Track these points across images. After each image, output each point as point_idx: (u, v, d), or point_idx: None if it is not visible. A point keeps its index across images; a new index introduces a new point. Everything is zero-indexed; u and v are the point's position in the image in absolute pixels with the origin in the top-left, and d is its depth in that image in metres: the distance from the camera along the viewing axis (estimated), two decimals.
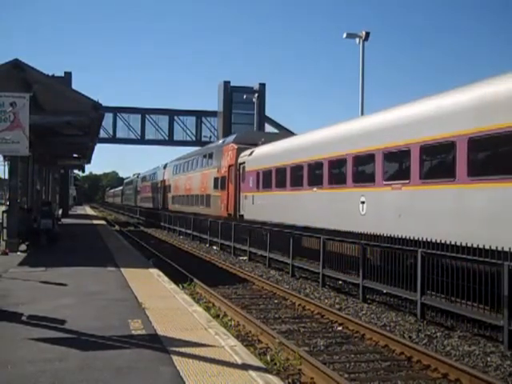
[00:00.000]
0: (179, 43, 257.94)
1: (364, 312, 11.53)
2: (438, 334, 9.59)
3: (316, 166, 18.15)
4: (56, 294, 10.14)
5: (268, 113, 61.23)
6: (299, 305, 12.37)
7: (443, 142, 11.81)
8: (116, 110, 61.14)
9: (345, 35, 25.96)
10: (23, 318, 8.09)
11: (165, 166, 51.34)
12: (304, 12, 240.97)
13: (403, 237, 12.01)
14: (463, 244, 10.10)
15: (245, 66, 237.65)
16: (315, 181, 18.14)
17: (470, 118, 11.08)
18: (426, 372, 7.73)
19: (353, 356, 8.45)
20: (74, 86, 37.47)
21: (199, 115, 64.76)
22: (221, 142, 33.23)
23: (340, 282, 14.33)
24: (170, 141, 63.98)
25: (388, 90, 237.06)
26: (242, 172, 26.15)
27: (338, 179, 16.67)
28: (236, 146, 27.88)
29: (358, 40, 25.95)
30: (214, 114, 64.71)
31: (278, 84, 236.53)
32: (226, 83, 63.27)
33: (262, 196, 23.39)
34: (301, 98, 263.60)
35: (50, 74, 32.26)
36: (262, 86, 61.68)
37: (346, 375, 7.42)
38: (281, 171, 21.31)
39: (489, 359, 8.24)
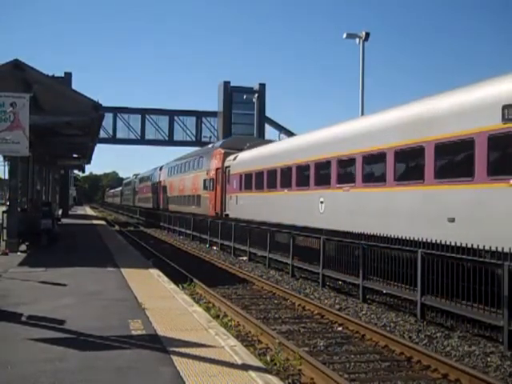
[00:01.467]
0: (179, 43, 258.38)
1: (364, 312, 11.53)
2: (438, 335, 9.59)
3: (287, 171, 20.67)
4: (56, 294, 10.14)
5: (268, 113, 61.34)
6: (299, 305, 12.37)
7: (377, 153, 14.41)
8: (116, 110, 61.18)
9: (345, 35, 26.00)
10: (23, 318, 8.08)
11: (161, 168, 53.08)
12: (304, 12, 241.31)
13: (350, 231, 14.36)
14: (462, 245, 10.15)
15: (245, 66, 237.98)
16: (286, 183, 20.69)
17: (395, 133, 13.73)
18: (426, 372, 7.72)
19: (353, 356, 8.44)
20: (74, 86, 37.57)
21: (199, 115, 64.80)
22: (210, 146, 35.76)
23: (340, 283, 14.34)
24: (169, 141, 64.02)
25: (388, 90, 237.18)
26: (227, 175, 28.46)
27: (303, 182, 19.17)
28: (223, 151, 30.32)
29: (358, 40, 25.99)
30: (214, 114, 64.74)
31: (278, 84, 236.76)
32: (226, 83, 63.30)
33: (243, 196, 25.76)
34: (301, 98, 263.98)
35: (50, 74, 32.34)
36: (262, 86, 61.72)
37: (346, 375, 7.42)
38: (259, 174, 23.71)
39: (489, 359, 8.24)
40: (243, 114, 61.64)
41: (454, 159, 12.04)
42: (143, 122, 63.01)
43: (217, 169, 30.67)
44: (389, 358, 8.36)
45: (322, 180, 17.61)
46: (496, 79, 11.10)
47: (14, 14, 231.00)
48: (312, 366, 7.55)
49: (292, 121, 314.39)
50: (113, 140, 62.99)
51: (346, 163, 16.12)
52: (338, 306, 12.14)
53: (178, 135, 64.07)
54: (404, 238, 10.09)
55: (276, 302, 13.03)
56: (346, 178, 16.12)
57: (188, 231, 32.57)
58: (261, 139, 31.88)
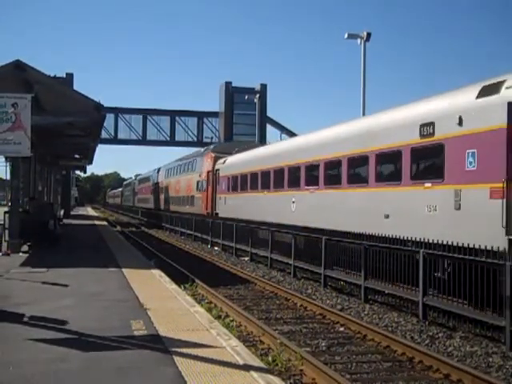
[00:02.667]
0: (180, 44, 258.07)
1: (366, 312, 11.52)
2: (440, 335, 9.58)
3: (266, 174, 22.97)
4: (57, 295, 10.14)
5: (269, 113, 61.25)
6: (301, 305, 12.36)
7: (335, 160, 16.67)
8: (117, 111, 61.16)
9: (346, 36, 25.98)
10: (25, 319, 8.09)
11: (158, 170, 54.93)
12: (305, 12, 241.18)
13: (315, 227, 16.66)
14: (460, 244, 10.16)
15: (246, 66, 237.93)
16: (265, 185, 23.01)
17: (348, 144, 15.90)
18: (428, 373, 7.72)
19: (354, 357, 8.43)
20: (75, 87, 37.60)
21: (201, 116, 64.78)
22: (203, 150, 37.99)
23: (342, 283, 14.33)
24: (171, 141, 64.01)
25: (389, 90, 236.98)
26: (217, 177, 30.69)
27: (279, 184, 21.38)
28: (213, 155, 32.73)
29: (359, 40, 25.97)
30: (215, 114, 64.72)
31: (279, 85, 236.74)
32: (228, 84, 63.27)
33: (231, 197, 28.05)
34: (302, 99, 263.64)
35: (52, 74, 32.39)
36: (264, 86, 61.66)
37: (348, 376, 7.41)
38: (244, 177, 26.01)
39: (491, 360, 8.23)
40: (244, 114, 61.63)
41: (389, 166, 14.38)
42: (145, 123, 63.01)
43: (208, 171, 32.76)
44: (391, 359, 8.36)
45: (294, 182, 19.85)
46: (416, 102, 13.59)
47: (14, 14, 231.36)
48: (314, 366, 7.54)
49: (293, 121, 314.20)
50: (114, 140, 62.99)
51: (312, 168, 18.39)
52: (339, 307, 12.13)
53: (180, 135, 64.06)
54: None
55: (278, 302, 13.02)
56: (312, 180, 18.39)
57: (189, 232, 32.66)
58: (249, 144, 33.49)
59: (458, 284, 9.63)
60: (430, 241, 11.13)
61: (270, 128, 61.86)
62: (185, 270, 16.94)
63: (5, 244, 17.50)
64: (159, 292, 10.74)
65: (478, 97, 10.90)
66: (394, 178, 13.67)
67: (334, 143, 16.97)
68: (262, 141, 51.86)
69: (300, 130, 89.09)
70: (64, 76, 46.01)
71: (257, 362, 6.24)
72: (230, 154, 30.33)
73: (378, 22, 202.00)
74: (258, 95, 49.98)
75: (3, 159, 23.18)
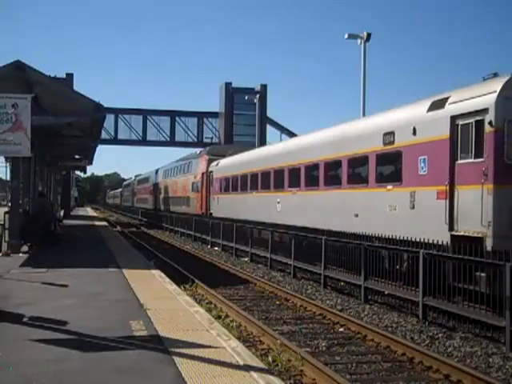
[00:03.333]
0: (181, 44, 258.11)
1: (366, 313, 11.52)
2: (440, 335, 9.58)
3: (254, 176, 24.54)
4: (57, 295, 10.14)
5: (269, 114, 61.30)
6: (301, 306, 12.37)
7: (313, 164, 18.24)
8: (117, 111, 61.18)
9: (346, 36, 25.97)
10: (25, 319, 8.09)
11: (156, 171, 55.65)
12: (306, 13, 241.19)
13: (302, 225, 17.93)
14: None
15: (246, 66, 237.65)
16: (254, 186, 24.57)
17: (325, 149, 17.48)
18: (428, 373, 7.72)
19: (354, 357, 8.44)
20: (75, 87, 37.57)
21: (201, 116, 64.82)
22: (198, 152, 39.80)
23: (341, 283, 14.34)
24: (171, 142, 64.03)
25: (390, 90, 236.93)
26: (211, 178, 32.22)
27: (266, 185, 22.95)
28: (207, 157, 34.33)
29: (359, 41, 25.96)
30: (215, 114, 64.77)
31: (279, 85, 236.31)
32: (228, 84, 63.34)
33: (223, 197, 29.68)
34: (302, 99, 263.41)
35: (52, 75, 32.36)
36: (264, 87, 61.70)
37: (348, 376, 7.41)
38: (235, 179, 27.63)
39: (491, 360, 8.23)
40: (244, 114, 61.69)
41: (358, 170, 15.75)
42: (145, 123, 63.06)
43: (203, 173, 34.30)
44: (391, 359, 8.36)
45: (278, 184, 21.39)
46: (382, 113, 15.27)
47: (14, 14, 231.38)
48: (314, 366, 7.55)
49: (294, 121, 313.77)
50: (114, 141, 63.03)
51: (294, 171, 19.84)
52: (339, 307, 12.13)
53: (180, 136, 64.10)
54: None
55: (278, 302, 13.03)
56: (294, 182, 19.79)
57: (190, 232, 32.70)
58: (242, 147, 34.68)
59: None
60: (393, 236, 12.52)
61: (270, 128, 61.93)
62: (185, 271, 16.95)
63: (5, 244, 17.51)
64: (159, 292, 10.74)
65: (428, 110, 12.38)
66: (363, 180, 15.14)
67: (313, 148, 18.56)
68: (262, 141, 51.92)
69: (300, 130, 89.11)
70: (64, 76, 45.97)
71: (257, 363, 6.24)
72: (224, 156, 31.68)
73: (379, 22, 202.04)
74: (257, 95, 49.93)
75: (3, 160, 23.23)
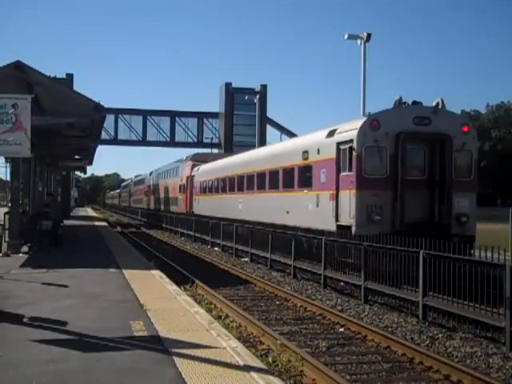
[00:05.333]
0: (181, 44, 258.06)
1: (366, 313, 11.52)
2: (440, 336, 9.58)
3: (224, 180, 29.40)
4: (58, 296, 10.15)
5: (269, 114, 61.43)
6: (301, 306, 12.36)
7: (262, 172, 22.96)
8: (117, 112, 61.29)
9: (346, 36, 25.99)
10: (25, 320, 8.09)
11: (150, 174, 59.15)
12: (306, 13, 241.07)
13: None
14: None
15: (246, 66, 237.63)
16: (223, 189, 29.57)
17: (269, 161, 22.44)
18: (428, 373, 7.72)
19: (355, 357, 8.44)
20: (75, 87, 37.58)
21: (201, 116, 64.92)
22: (185, 158, 44.12)
23: (341, 284, 14.34)
24: (171, 142, 64.14)
25: (390, 90, 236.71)
26: (193, 182, 36.88)
27: (231, 188, 27.81)
28: (191, 163, 38.96)
29: (359, 41, 25.98)
30: (215, 115, 64.86)
31: (279, 85, 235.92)
32: (228, 85, 63.42)
33: (202, 198, 34.61)
34: (303, 99, 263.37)
35: (52, 75, 32.36)
36: (264, 87, 61.79)
37: (348, 377, 7.41)
38: (211, 182, 32.44)
39: (491, 360, 8.23)
40: (244, 115, 61.76)
41: (289, 178, 20.00)
42: (145, 124, 63.16)
43: (187, 177, 38.63)
44: (391, 359, 8.36)
45: (240, 188, 26.13)
46: (305, 135, 20.92)
47: (14, 14, 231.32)
48: (314, 367, 7.55)
49: (294, 122, 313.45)
50: (114, 141, 63.15)
51: (251, 177, 24.56)
52: (339, 307, 12.13)
53: (180, 136, 64.20)
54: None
55: (278, 303, 13.02)
56: (251, 186, 24.52)
57: (190, 232, 32.73)
58: (221, 155, 39.79)
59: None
60: (310, 227, 17.16)
61: (270, 128, 62.02)
62: (185, 271, 16.95)
63: (5, 245, 17.51)
64: (159, 293, 10.74)
65: (326, 137, 16.91)
66: (291, 185, 19.71)
67: (263, 160, 23.61)
68: (262, 141, 51.97)
69: (300, 130, 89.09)
70: (64, 76, 46.01)
71: (257, 363, 6.25)
72: (206, 162, 36.18)
73: (381, 22, 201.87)
74: (258, 96, 49.96)
75: (3, 160, 23.24)
